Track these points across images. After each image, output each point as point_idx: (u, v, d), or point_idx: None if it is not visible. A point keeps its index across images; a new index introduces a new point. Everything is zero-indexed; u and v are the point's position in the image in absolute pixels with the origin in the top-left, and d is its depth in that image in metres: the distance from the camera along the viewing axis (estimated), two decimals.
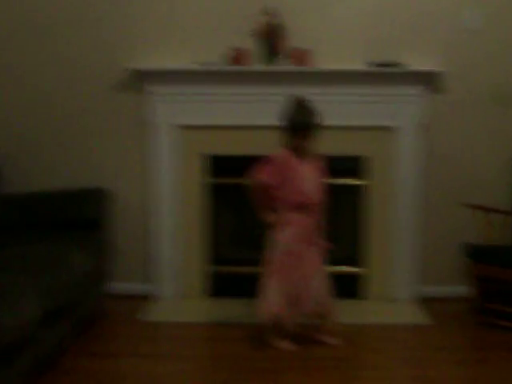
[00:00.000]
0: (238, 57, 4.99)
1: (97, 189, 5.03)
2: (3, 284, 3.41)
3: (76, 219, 4.81)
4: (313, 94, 4.85)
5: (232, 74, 5.04)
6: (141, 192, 5.26)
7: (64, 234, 4.62)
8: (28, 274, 3.64)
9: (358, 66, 5.03)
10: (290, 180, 4.16)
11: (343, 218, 5.39)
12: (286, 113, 4.19)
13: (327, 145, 4.98)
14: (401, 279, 5.23)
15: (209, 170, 5.21)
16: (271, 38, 4.99)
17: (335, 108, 4.98)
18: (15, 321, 3.19)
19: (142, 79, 5.08)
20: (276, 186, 4.16)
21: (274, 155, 4.18)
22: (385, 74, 5.00)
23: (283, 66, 5.02)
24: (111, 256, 5.00)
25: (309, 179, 4.21)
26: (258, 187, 4.19)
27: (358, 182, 5.23)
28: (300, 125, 4.13)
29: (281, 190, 4.17)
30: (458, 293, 5.20)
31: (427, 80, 5.04)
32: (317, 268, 4.26)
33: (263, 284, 4.24)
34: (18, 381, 3.38)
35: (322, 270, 4.30)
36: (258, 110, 5.02)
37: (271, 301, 4.18)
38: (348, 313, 4.93)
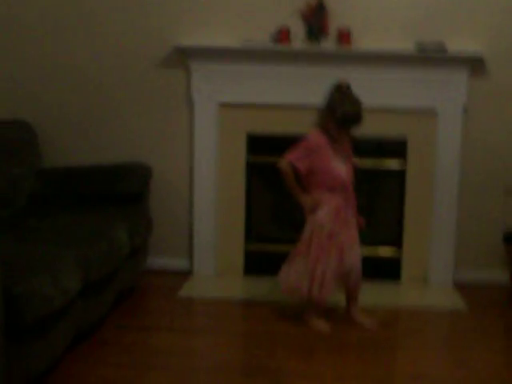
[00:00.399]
0: (282, 36, 4.98)
1: (139, 164, 5.09)
2: (45, 255, 3.48)
3: (118, 193, 4.85)
4: (355, 75, 4.88)
5: (275, 53, 5.04)
6: (183, 168, 5.30)
7: (106, 208, 4.66)
8: (69, 246, 3.70)
9: (401, 46, 5.00)
10: (323, 163, 4.14)
11: (384, 201, 5.38)
12: (332, 100, 4.11)
13: (369, 126, 5.00)
14: (438, 263, 5.20)
15: (250, 149, 5.24)
16: (316, 18, 4.98)
17: (378, 89, 4.98)
18: (56, 291, 3.25)
19: (186, 56, 5.10)
20: (305, 169, 4.14)
21: (308, 137, 4.16)
22: (429, 57, 4.96)
23: (327, 46, 5.01)
24: (152, 231, 5.06)
25: (341, 162, 4.19)
26: (287, 169, 4.17)
27: (398, 165, 5.20)
28: (351, 119, 4.07)
29: (313, 172, 4.16)
30: (494, 279, 5.19)
31: (471, 63, 4.99)
32: (352, 245, 4.26)
33: (290, 259, 4.28)
34: (57, 350, 3.45)
35: (358, 248, 4.32)
36: (301, 90, 5.02)
37: (293, 276, 4.22)
38: (384, 295, 4.95)
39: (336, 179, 4.16)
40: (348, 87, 4.13)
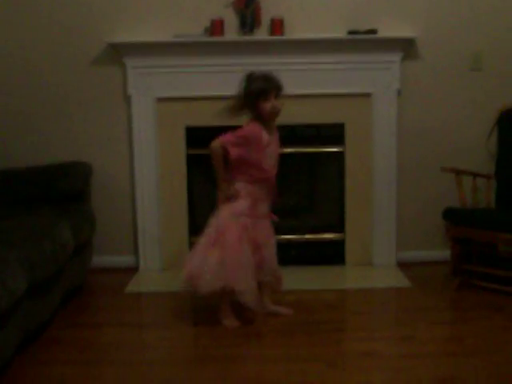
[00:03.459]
0: (215, 28, 5.01)
1: (80, 162, 5.09)
2: None
3: (59, 193, 4.85)
4: (290, 63, 4.97)
5: (208, 45, 5.06)
6: (124, 165, 5.31)
7: (49, 208, 4.64)
8: (13, 247, 3.65)
9: (335, 34, 5.07)
10: (256, 155, 4.06)
11: (324, 185, 5.46)
12: (246, 83, 4.08)
13: (305, 113, 5.07)
14: (379, 245, 5.31)
15: (189, 142, 5.25)
16: (248, 9, 5.02)
17: (313, 76, 5.06)
18: (2, 292, 3.21)
19: (121, 53, 5.10)
20: (236, 156, 4.04)
21: (247, 127, 4.08)
22: (361, 42, 5.04)
23: (260, 36, 5.06)
24: (96, 229, 5.05)
25: (272, 155, 4.14)
26: (218, 149, 4.04)
27: (336, 149, 5.27)
28: (259, 89, 4.00)
29: (242, 162, 4.07)
30: (436, 257, 5.33)
31: (404, 47, 5.09)
32: (267, 241, 4.21)
33: (197, 248, 4.17)
34: (6, 351, 3.41)
35: (273, 245, 4.27)
36: (237, 81, 5.02)
37: (197, 267, 4.07)
38: (329, 278, 5.04)
39: (263, 173, 4.11)
40: (258, 71, 4.12)
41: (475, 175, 5.00)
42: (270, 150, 4.10)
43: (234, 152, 4.03)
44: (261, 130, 4.05)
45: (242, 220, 4.09)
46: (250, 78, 4.07)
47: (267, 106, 4.00)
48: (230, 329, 4.09)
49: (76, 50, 5.16)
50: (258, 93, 4.00)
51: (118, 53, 5.10)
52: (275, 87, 4.03)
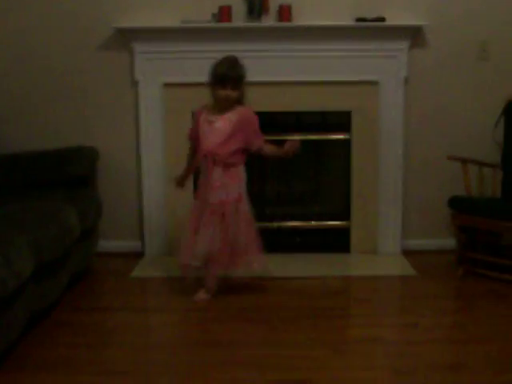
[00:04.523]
0: (223, 14, 5.00)
1: (86, 147, 5.10)
2: None
3: (66, 177, 4.87)
4: (297, 50, 4.97)
5: (216, 31, 5.05)
6: (130, 150, 5.31)
7: (55, 192, 4.67)
8: (20, 230, 3.68)
9: (342, 21, 5.06)
10: (197, 133, 4.26)
11: (330, 173, 5.47)
12: (211, 65, 4.20)
13: (312, 100, 5.07)
14: (385, 233, 5.31)
15: None
16: None
17: (320, 63, 5.06)
18: (9, 273, 3.23)
19: (128, 38, 5.09)
20: (193, 141, 4.35)
21: (196, 109, 4.35)
22: (369, 29, 5.03)
23: (268, 22, 5.05)
24: (102, 213, 5.06)
25: (215, 133, 4.18)
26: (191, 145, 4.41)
27: (343, 137, 5.28)
28: (222, 74, 4.10)
29: (196, 143, 4.30)
30: (441, 245, 5.33)
31: (411, 35, 5.08)
32: (200, 229, 4.23)
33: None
34: (12, 332, 3.44)
35: (208, 230, 4.23)
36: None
37: (182, 252, 4.34)
38: (334, 266, 5.04)
39: (204, 149, 4.23)
40: (230, 56, 4.23)
41: (481, 164, 5.00)
42: (215, 128, 4.18)
43: (190, 134, 4.42)
44: (200, 110, 4.30)
45: (194, 202, 4.43)
46: (215, 64, 4.18)
47: (222, 93, 4.12)
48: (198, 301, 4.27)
49: (84, 35, 5.16)
50: (216, 79, 4.13)
51: (125, 38, 5.10)
52: (233, 77, 4.11)
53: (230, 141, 4.17)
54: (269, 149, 4.27)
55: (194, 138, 4.32)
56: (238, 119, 4.17)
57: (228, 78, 4.08)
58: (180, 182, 4.53)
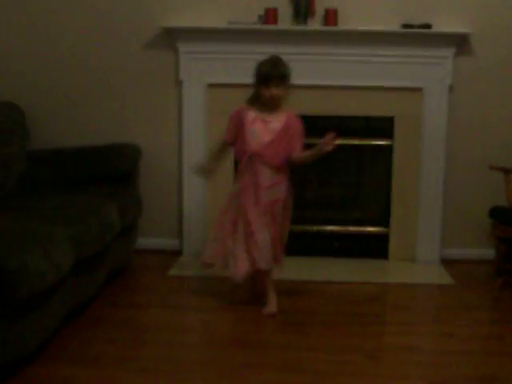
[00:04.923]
0: (269, 16, 5.01)
1: (130, 144, 5.14)
2: (38, 232, 3.50)
3: (108, 174, 4.91)
4: (342, 54, 4.97)
5: (261, 33, 5.07)
6: (172, 149, 5.34)
7: (96, 188, 4.71)
8: (61, 224, 3.73)
9: (388, 26, 5.05)
10: (242, 134, 4.14)
11: (370, 178, 5.44)
12: (256, 65, 4.13)
13: (355, 105, 5.07)
14: (424, 241, 5.27)
15: None
16: None
17: (364, 68, 5.05)
18: (49, 266, 3.28)
19: (174, 37, 5.13)
20: (231, 142, 4.23)
21: (232, 112, 4.25)
22: (415, 36, 5.01)
23: (314, 25, 5.06)
24: (142, 211, 5.10)
25: (262, 134, 4.10)
26: (223, 145, 4.31)
27: (385, 143, 5.26)
28: (267, 73, 4.04)
29: (236, 143, 4.21)
30: (480, 255, 5.28)
31: (457, 42, 5.04)
32: (260, 225, 4.12)
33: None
34: (50, 325, 3.49)
35: (268, 228, 4.14)
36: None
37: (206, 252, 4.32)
38: (371, 272, 5.02)
39: (246, 147, 4.13)
40: (274, 56, 4.16)
41: None
42: (257, 127, 4.11)
43: (229, 137, 4.25)
44: (244, 109, 4.17)
45: (234, 202, 4.22)
46: (259, 64, 4.12)
47: (266, 93, 4.06)
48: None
49: (130, 34, 5.20)
50: (260, 78, 4.07)
51: (171, 37, 5.13)
52: (276, 76, 4.04)
53: (279, 142, 4.10)
54: (299, 156, 4.13)
55: (233, 140, 4.23)
56: (286, 123, 4.12)
57: (271, 76, 4.03)
58: (204, 173, 4.45)
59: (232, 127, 4.22)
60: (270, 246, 4.13)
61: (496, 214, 4.73)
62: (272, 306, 4.17)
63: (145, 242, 5.33)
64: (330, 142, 3.93)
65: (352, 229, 5.37)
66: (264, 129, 4.10)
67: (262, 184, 4.11)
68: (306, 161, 4.14)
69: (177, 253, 5.37)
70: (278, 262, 4.23)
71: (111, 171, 4.90)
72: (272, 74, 4.03)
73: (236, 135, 4.20)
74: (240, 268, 4.13)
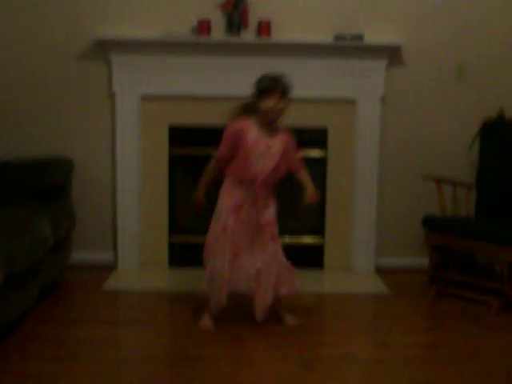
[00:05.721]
0: (202, 28, 5.01)
1: (62, 157, 5.08)
2: None
3: (40, 187, 4.82)
4: (275, 66, 4.94)
5: (195, 44, 5.06)
6: (106, 161, 5.29)
7: (30, 202, 4.63)
8: None
9: (321, 38, 5.09)
10: (242, 151, 3.98)
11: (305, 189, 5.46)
12: (256, 83, 4.03)
13: (288, 116, 5.08)
14: (359, 250, 5.32)
15: (172, 141, 5.24)
16: (236, 10, 5.03)
17: (297, 80, 5.02)
18: None
19: (106, 49, 5.08)
20: (228, 158, 4.04)
21: (231, 125, 4.04)
22: (347, 47, 5.06)
23: (247, 37, 5.07)
24: (75, 224, 5.02)
25: (263, 153, 3.98)
26: (216, 163, 4.10)
27: (318, 154, 5.28)
28: (268, 84, 3.97)
29: (232, 160, 4.04)
30: (415, 263, 5.35)
31: (389, 54, 5.11)
32: (254, 251, 4.08)
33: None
34: None
35: (265, 247, 4.10)
36: (222, 81, 5.07)
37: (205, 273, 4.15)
38: (307, 282, 5.01)
39: (248, 171, 4.01)
40: (277, 72, 4.07)
41: (456, 184, 5.03)
42: (261, 150, 3.98)
43: (221, 154, 4.05)
44: (246, 125, 4.00)
45: (221, 220, 4.05)
46: (259, 78, 4.04)
47: (266, 104, 3.95)
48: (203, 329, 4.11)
49: (62, 46, 5.14)
50: (261, 91, 3.98)
51: (103, 49, 5.09)
52: (279, 87, 3.98)
53: (280, 167, 4.04)
54: (302, 177, 4.19)
55: (228, 157, 4.05)
56: (284, 143, 4.04)
57: (274, 87, 3.96)
58: (200, 204, 4.22)
59: (229, 145, 4.02)
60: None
61: (429, 222, 4.80)
62: (292, 318, 4.21)
63: (79, 255, 5.25)
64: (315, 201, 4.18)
65: (288, 239, 5.38)
66: (266, 154, 3.98)
67: (261, 205, 4.06)
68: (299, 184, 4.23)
69: (112, 266, 5.31)
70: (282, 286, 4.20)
71: (43, 185, 4.82)
72: (274, 85, 3.97)
73: (232, 153, 4.02)
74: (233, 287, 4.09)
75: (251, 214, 4.05)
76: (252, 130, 3.98)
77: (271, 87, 3.96)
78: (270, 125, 4.02)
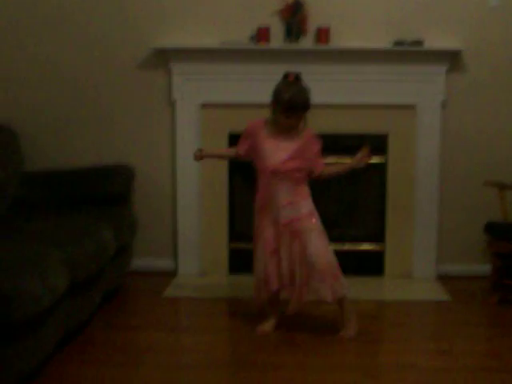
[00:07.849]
0: (261, 35, 5.03)
1: (122, 165, 5.15)
2: (33, 254, 3.48)
3: (102, 195, 4.91)
4: (335, 73, 4.98)
5: (254, 52, 5.09)
6: (166, 169, 5.34)
7: (92, 210, 4.71)
8: (56, 246, 3.71)
9: (380, 44, 5.06)
10: (257, 151, 4.01)
11: (365, 195, 5.44)
12: (278, 89, 3.96)
13: (349, 122, 5.07)
14: (420, 256, 5.27)
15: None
16: (294, 17, 5.04)
17: (357, 86, 5.06)
18: (44, 289, 3.26)
19: (166, 57, 5.13)
20: (244, 155, 4.12)
21: (248, 124, 4.10)
22: (407, 53, 5.03)
23: (305, 44, 5.07)
24: (136, 232, 5.08)
25: (281, 150, 3.96)
26: (236, 154, 4.18)
27: (379, 160, 5.25)
28: (296, 104, 3.89)
29: (253, 155, 4.08)
30: (477, 270, 5.27)
31: (450, 59, 5.06)
32: (272, 253, 4.06)
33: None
34: (46, 349, 3.46)
35: (291, 245, 4.05)
36: None
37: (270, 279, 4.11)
38: (368, 289, 5.01)
39: (263, 164, 4.02)
40: (297, 77, 3.99)
41: None
42: (275, 146, 3.98)
43: (241, 149, 4.15)
44: (260, 125, 4.04)
45: (257, 218, 4.14)
46: (284, 87, 3.94)
47: (286, 121, 3.93)
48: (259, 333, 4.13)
49: (122, 55, 5.21)
50: (281, 107, 3.91)
51: (163, 58, 5.14)
52: (299, 108, 3.91)
53: (295, 159, 3.98)
54: (328, 170, 4.14)
55: (246, 154, 4.13)
56: (303, 141, 4.00)
57: (293, 108, 3.88)
58: (200, 156, 4.26)
59: (244, 140, 4.11)
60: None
61: (491, 229, 4.74)
62: (350, 329, 4.11)
63: (140, 262, 5.30)
64: (366, 157, 4.02)
65: (347, 246, 5.35)
66: (277, 147, 3.98)
67: (281, 203, 4.00)
68: (336, 175, 4.20)
69: (172, 273, 5.35)
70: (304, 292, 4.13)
71: (105, 192, 4.90)
72: (295, 106, 3.89)
73: (249, 149, 4.08)
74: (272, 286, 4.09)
75: (273, 212, 4.04)
76: (264, 130, 4.03)
77: (291, 106, 3.89)
78: (286, 133, 4.01)
